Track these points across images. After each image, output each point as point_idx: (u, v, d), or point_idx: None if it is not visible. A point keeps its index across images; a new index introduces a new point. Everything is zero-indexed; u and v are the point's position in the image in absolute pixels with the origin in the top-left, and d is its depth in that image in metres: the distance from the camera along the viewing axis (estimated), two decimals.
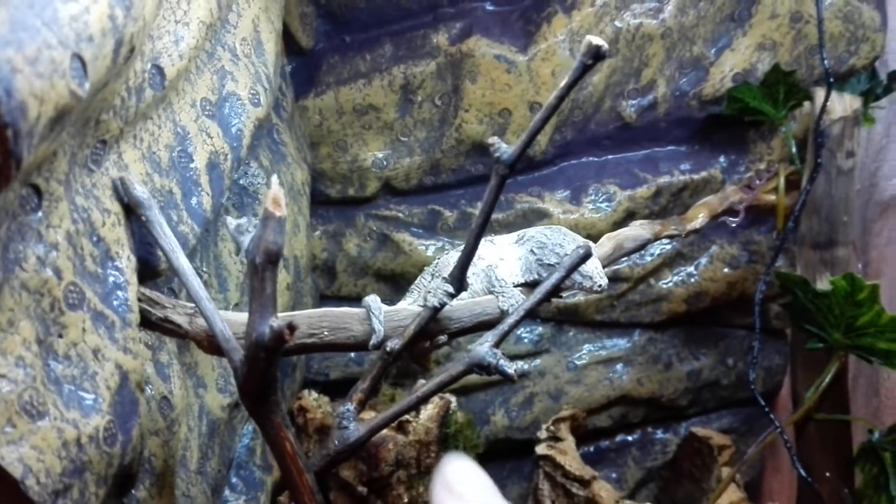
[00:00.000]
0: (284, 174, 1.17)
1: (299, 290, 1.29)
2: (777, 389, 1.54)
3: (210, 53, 0.90)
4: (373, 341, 0.84)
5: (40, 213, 0.65)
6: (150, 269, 0.79)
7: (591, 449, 1.51)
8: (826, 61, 1.25)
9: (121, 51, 0.63)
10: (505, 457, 1.49)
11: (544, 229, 0.93)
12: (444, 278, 0.84)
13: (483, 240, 0.94)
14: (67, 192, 0.69)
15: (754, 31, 1.34)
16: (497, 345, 0.79)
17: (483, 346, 0.79)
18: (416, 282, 0.98)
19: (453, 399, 1.31)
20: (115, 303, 0.72)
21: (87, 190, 0.72)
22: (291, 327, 0.69)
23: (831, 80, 1.25)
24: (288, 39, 1.32)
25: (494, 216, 1.39)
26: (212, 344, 0.76)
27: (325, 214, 1.42)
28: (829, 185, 1.27)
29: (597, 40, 0.69)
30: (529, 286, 0.91)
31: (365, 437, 0.80)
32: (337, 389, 1.40)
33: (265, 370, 0.72)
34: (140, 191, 0.75)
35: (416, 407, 0.80)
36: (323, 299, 1.45)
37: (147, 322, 0.78)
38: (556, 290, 0.83)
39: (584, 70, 0.70)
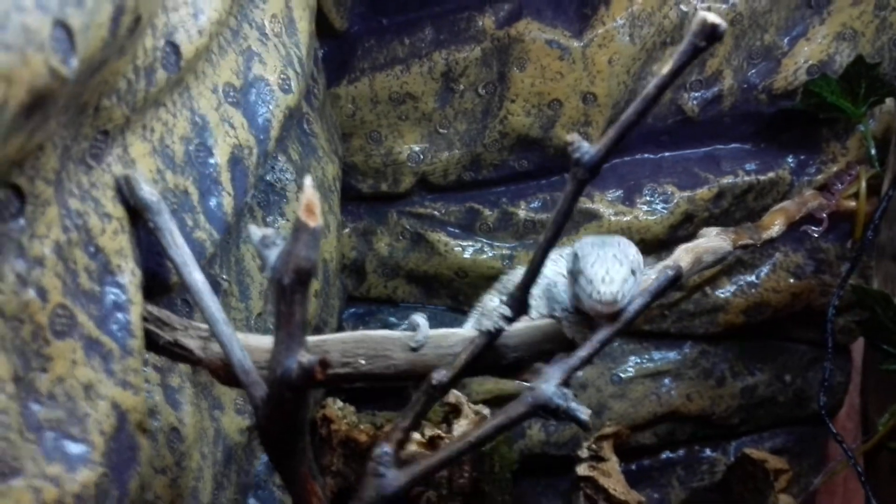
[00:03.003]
0: (315, 169, 1.03)
1: (327, 293, 1.15)
2: (837, 409, 1.39)
3: (235, 31, 0.76)
4: (416, 338, 0.71)
5: (22, 221, 0.51)
6: (160, 284, 0.65)
7: (633, 467, 1.38)
8: None
9: (122, 20, 0.48)
10: (540, 473, 1.37)
11: (588, 237, 0.76)
12: (501, 299, 0.69)
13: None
14: (58, 194, 0.55)
15: (833, 18, 1.18)
16: (566, 382, 0.65)
17: (549, 385, 0.64)
18: (479, 301, 0.83)
19: (489, 413, 1.18)
20: (113, 327, 0.58)
21: (83, 191, 0.58)
22: (325, 364, 0.55)
23: None
24: (320, 21, 1.18)
25: (538, 217, 1.25)
26: (229, 374, 0.62)
27: (356, 211, 1.29)
28: None
29: (713, 17, 0.53)
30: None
31: (406, 488, 0.66)
32: (364, 399, 1.28)
33: (292, 412, 0.58)
34: (148, 192, 0.61)
35: (468, 452, 0.67)
36: (350, 300, 1.32)
37: (154, 346, 0.64)
38: (640, 314, 0.68)
39: (694, 53, 0.55)
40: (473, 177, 1.25)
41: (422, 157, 1.24)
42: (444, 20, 1.19)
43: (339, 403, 1.22)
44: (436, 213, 1.27)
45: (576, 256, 0.71)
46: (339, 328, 1.28)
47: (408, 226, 1.28)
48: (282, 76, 0.79)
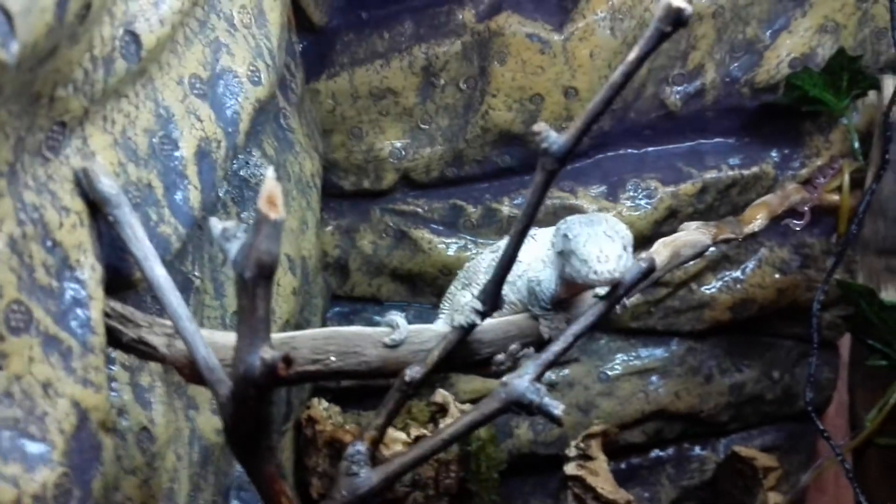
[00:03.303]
0: (292, 164, 1.01)
1: (308, 291, 1.13)
2: (825, 405, 1.38)
3: (202, 22, 0.74)
4: (392, 336, 0.70)
5: None
6: (123, 279, 0.63)
7: (623, 465, 1.37)
8: None
9: (68, 5, 0.47)
10: (528, 472, 1.35)
11: (573, 217, 0.74)
12: (472, 293, 0.68)
13: None
14: (12, 186, 0.53)
15: (815, 11, 1.17)
16: (539, 377, 0.63)
17: (522, 380, 0.62)
18: (446, 293, 0.82)
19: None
20: (73, 323, 0.57)
21: (40, 183, 0.56)
22: (288, 360, 0.54)
23: None
24: (299, 15, 1.16)
25: (519, 213, 1.24)
26: (194, 372, 0.61)
27: (338, 208, 1.28)
28: None
29: (678, 2, 0.52)
30: (573, 293, 0.74)
31: (378, 487, 0.65)
32: (349, 399, 1.26)
33: (256, 409, 0.56)
34: (107, 184, 0.59)
35: (441, 450, 0.65)
36: (334, 299, 1.31)
37: (118, 343, 0.62)
38: (612, 308, 0.66)
39: (660, 39, 0.53)
40: (456, 173, 1.24)
41: (404, 153, 1.22)
42: (423, 14, 1.18)
43: (325, 404, 1.20)
44: (419, 209, 1.26)
45: (565, 237, 0.69)
46: (323, 327, 1.26)
47: (391, 223, 1.26)
48: (251, 68, 0.78)
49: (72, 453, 0.55)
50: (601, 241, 0.67)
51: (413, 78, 1.18)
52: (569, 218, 0.73)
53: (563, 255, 0.69)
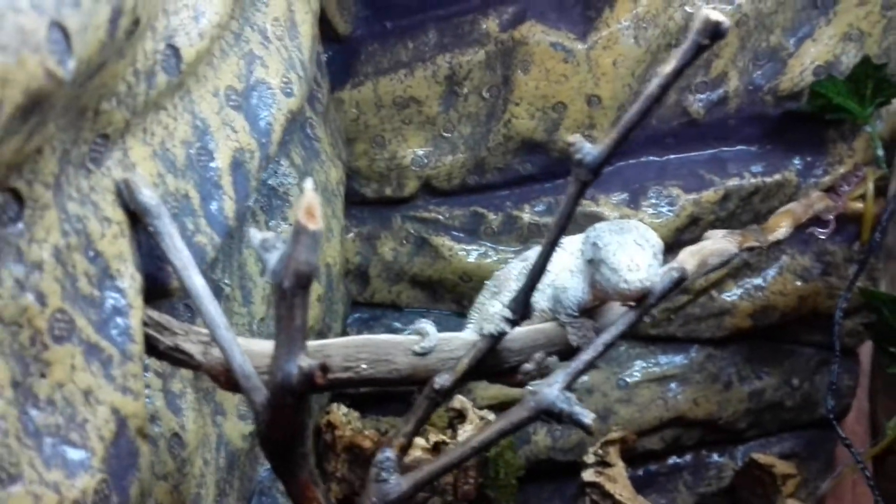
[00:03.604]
0: (318, 173, 1.02)
1: (330, 298, 1.14)
2: (845, 413, 1.37)
3: (237, 35, 0.75)
4: (423, 344, 0.70)
5: (21, 225, 0.51)
6: (160, 288, 0.64)
7: (640, 472, 1.37)
8: None
9: (120, 21, 0.48)
10: (546, 478, 1.35)
11: (602, 224, 0.73)
12: (502, 303, 0.68)
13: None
14: (57, 198, 0.54)
15: (839, 19, 1.17)
16: (569, 386, 0.64)
17: (552, 389, 0.63)
18: (475, 302, 0.82)
19: (494, 419, 1.16)
20: (113, 332, 0.58)
21: (83, 195, 0.57)
22: (325, 368, 0.54)
23: None
24: (323, 25, 1.17)
25: (543, 221, 1.24)
26: (229, 379, 0.62)
27: (360, 215, 1.28)
28: None
29: (716, 14, 0.52)
30: (602, 301, 0.73)
31: (408, 494, 0.65)
32: (369, 404, 1.27)
33: (292, 417, 0.57)
34: (148, 195, 0.60)
35: (471, 457, 0.66)
36: (354, 305, 1.31)
37: (154, 351, 0.63)
38: (643, 316, 0.67)
39: (697, 51, 0.54)
40: (478, 181, 1.24)
41: (426, 161, 1.23)
42: (447, 23, 1.18)
43: (344, 409, 1.21)
44: (440, 217, 1.26)
45: (594, 245, 0.69)
46: (343, 333, 1.27)
47: (412, 230, 1.27)
48: (284, 79, 0.78)
49: (111, 460, 0.56)
50: (631, 249, 0.66)
51: (436, 87, 1.19)
52: (598, 225, 0.72)
53: (593, 263, 0.69)
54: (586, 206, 1.23)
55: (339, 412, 1.20)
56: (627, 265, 0.66)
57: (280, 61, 0.79)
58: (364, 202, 1.27)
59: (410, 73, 1.18)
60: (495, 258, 1.25)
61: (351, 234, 1.28)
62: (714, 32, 0.53)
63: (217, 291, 0.82)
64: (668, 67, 0.54)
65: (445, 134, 1.21)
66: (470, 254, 1.25)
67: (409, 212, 1.26)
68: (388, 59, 1.19)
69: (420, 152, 1.22)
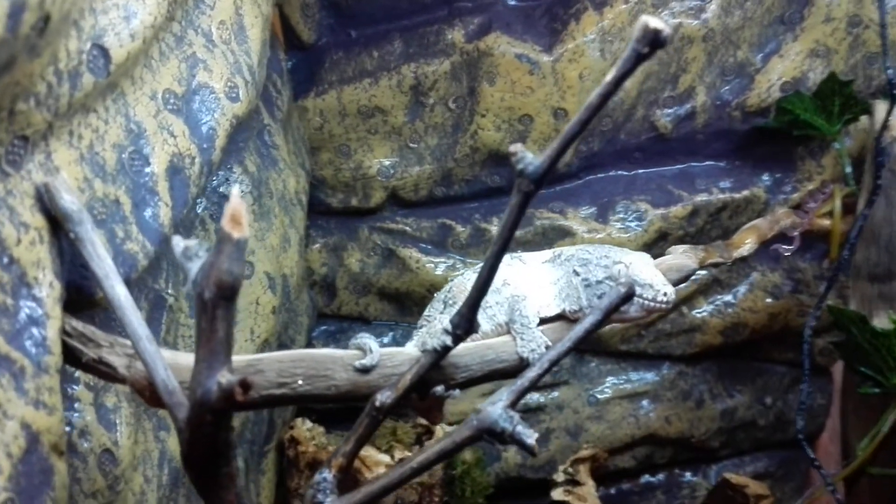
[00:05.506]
0: (275, 181, 0.99)
1: (291, 309, 1.11)
2: (818, 432, 1.35)
3: (178, 37, 0.72)
4: (363, 361, 0.67)
5: None
6: (86, 298, 0.61)
7: (612, 491, 1.33)
8: (890, 70, 1.06)
9: (22, 17, 0.45)
10: (516, 496, 1.32)
11: (585, 246, 0.77)
12: (451, 317, 0.65)
13: (508, 256, 0.75)
14: None
15: (806, 35, 1.16)
16: (514, 405, 0.61)
17: (496, 407, 0.60)
18: (425, 313, 0.79)
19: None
20: (27, 343, 0.54)
21: None
22: (245, 385, 0.51)
23: (895, 91, 1.06)
24: (287, 32, 1.15)
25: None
26: (154, 394, 0.58)
27: (326, 226, 1.26)
28: (889, 209, 1.09)
29: (655, 22, 0.50)
30: (569, 319, 0.74)
31: None
32: (334, 419, 1.23)
33: (213, 436, 0.54)
34: (69, 200, 0.57)
35: (411, 478, 0.62)
36: (321, 317, 1.28)
37: (77, 363, 0.60)
38: (591, 333, 0.64)
39: (637, 60, 0.51)
40: (445, 192, 1.22)
41: (392, 171, 1.20)
42: (413, 33, 1.16)
43: (308, 424, 1.17)
44: (407, 228, 1.23)
45: (602, 267, 0.72)
46: (309, 346, 1.24)
47: (379, 241, 1.24)
48: (229, 84, 0.76)
49: (19, 478, 0.52)
50: (651, 268, 0.71)
51: (402, 97, 1.16)
52: (590, 249, 0.75)
53: (601, 283, 0.71)
54: (555, 219, 1.20)
55: (304, 427, 1.16)
56: (661, 281, 0.70)
57: (225, 65, 0.76)
58: (330, 212, 1.24)
59: (375, 83, 1.16)
60: (463, 271, 1.22)
61: (317, 245, 1.25)
62: (654, 41, 0.50)
63: (160, 301, 0.78)
64: (608, 77, 0.52)
65: (412, 144, 1.19)
66: (438, 266, 1.23)
67: (375, 223, 1.24)
68: (353, 67, 1.17)
69: (386, 162, 1.20)
